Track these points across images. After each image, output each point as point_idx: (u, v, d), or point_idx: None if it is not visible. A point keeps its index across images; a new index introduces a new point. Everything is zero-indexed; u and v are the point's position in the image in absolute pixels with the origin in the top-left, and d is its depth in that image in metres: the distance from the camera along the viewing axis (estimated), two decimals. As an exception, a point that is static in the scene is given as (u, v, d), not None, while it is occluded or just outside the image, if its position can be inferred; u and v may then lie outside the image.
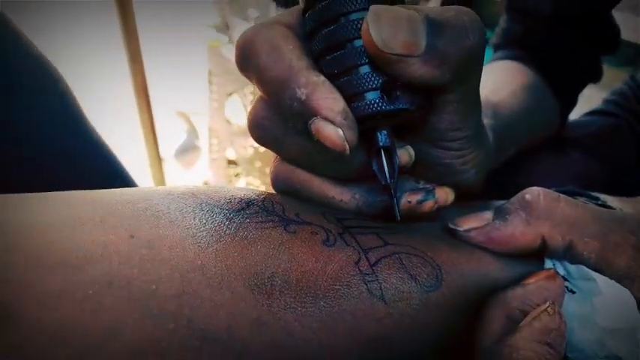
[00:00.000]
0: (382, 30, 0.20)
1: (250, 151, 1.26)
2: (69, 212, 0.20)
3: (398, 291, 0.22)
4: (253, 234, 0.21)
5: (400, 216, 0.26)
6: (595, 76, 0.55)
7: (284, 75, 0.22)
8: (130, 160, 0.53)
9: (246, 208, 0.23)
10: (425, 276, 0.23)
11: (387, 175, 0.24)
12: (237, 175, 1.36)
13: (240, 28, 1.22)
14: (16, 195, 0.20)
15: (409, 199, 0.27)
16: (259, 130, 0.25)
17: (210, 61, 1.22)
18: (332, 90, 0.22)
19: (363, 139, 0.24)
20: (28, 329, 0.15)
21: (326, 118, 0.21)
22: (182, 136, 1.52)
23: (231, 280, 0.19)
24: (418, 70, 0.21)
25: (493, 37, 0.57)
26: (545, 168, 0.50)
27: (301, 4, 0.24)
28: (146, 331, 0.17)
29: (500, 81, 0.48)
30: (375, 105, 0.22)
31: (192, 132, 1.54)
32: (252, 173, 1.30)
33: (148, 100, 1.22)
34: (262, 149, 1.29)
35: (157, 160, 1.31)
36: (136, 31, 1.11)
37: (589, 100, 0.63)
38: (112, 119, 1.32)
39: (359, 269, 0.22)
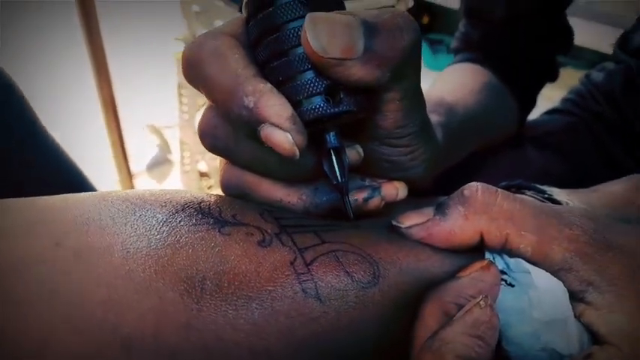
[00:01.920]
0: (320, 36, 0.21)
1: (221, 163, 1.25)
2: (1, 219, 0.19)
3: (333, 289, 0.22)
4: (185, 237, 0.21)
5: (353, 215, 0.26)
6: (551, 76, 0.57)
7: (231, 84, 0.22)
8: (100, 177, 0.52)
9: (181, 210, 0.22)
10: (362, 273, 0.22)
11: (338, 174, 0.25)
12: (209, 187, 1.35)
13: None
14: None
15: (355, 197, 0.27)
16: (210, 138, 0.26)
17: (179, 74, 1.22)
18: (279, 97, 0.22)
19: (312, 142, 0.24)
20: None
21: (274, 124, 0.21)
22: (153, 150, 1.50)
23: (159, 285, 0.19)
24: (358, 72, 0.22)
25: (453, 42, 0.58)
26: (504, 166, 0.50)
27: (244, 14, 0.25)
28: (72, 343, 0.16)
29: (457, 82, 0.49)
30: (320, 109, 0.23)
31: (164, 145, 1.52)
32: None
33: (116, 115, 1.20)
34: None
35: (127, 175, 1.29)
36: (101, 44, 1.10)
37: (552, 101, 0.65)
38: (79, 135, 1.30)
39: (294, 269, 0.21)
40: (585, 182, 0.29)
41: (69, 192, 0.44)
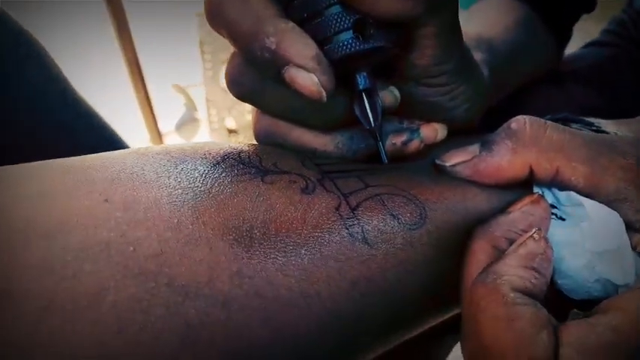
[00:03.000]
0: None
1: (249, 118, 1.25)
2: (41, 182, 0.20)
3: (380, 232, 0.22)
4: (230, 188, 0.21)
5: (387, 159, 0.25)
6: (588, 6, 0.53)
7: (252, 25, 0.21)
8: (131, 138, 0.53)
9: (221, 162, 0.23)
10: (408, 215, 0.22)
11: (371, 118, 0.24)
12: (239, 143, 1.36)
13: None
14: None
15: (394, 141, 0.26)
16: (237, 85, 0.25)
17: (201, 30, 1.20)
18: (302, 35, 0.21)
19: (343, 84, 0.23)
20: (16, 303, 0.16)
21: (298, 65, 0.21)
22: (180, 110, 1.51)
23: (209, 235, 0.19)
24: (389, 3, 0.20)
25: None
26: (544, 102, 0.49)
27: None
28: (128, 291, 0.17)
29: (491, 17, 0.46)
30: (349, 45, 0.22)
31: (190, 104, 1.53)
32: (254, 140, 1.29)
33: (141, 77, 1.21)
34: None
35: (157, 135, 1.31)
36: (122, 6, 1.09)
37: (589, 34, 0.62)
38: (107, 99, 1.31)
39: (339, 214, 0.21)
40: (630, 115, 0.28)
41: (102, 146, 0.45)
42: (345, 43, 0.22)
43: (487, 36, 0.40)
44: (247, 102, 0.26)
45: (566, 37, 0.54)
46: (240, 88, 0.25)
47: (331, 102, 0.22)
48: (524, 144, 0.22)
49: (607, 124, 0.26)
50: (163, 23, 1.66)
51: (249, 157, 0.23)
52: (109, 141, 0.48)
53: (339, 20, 0.21)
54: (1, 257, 0.16)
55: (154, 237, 0.18)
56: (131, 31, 1.13)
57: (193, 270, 0.18)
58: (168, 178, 0.21)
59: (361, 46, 0.22)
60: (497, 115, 0.42)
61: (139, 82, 1.21)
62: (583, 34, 0.62)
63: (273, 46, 0.21)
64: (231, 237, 0.20)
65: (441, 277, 0.23)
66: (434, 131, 0.27)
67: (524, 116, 0.23)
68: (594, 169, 0.21)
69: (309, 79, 0.21)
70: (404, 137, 0.27)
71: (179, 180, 0.21)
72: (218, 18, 0.22)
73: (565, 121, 0.28)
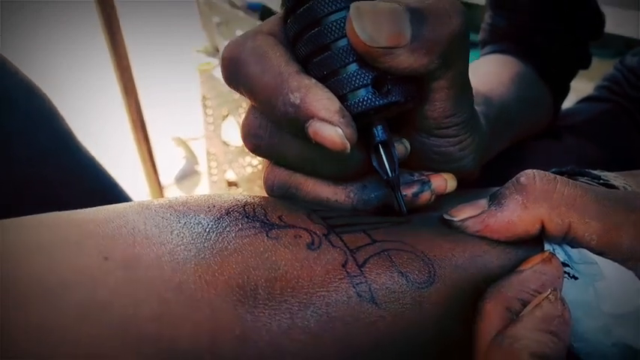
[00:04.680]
0: (366, 25, 0.20)
1: (249, 170, 1.26)
2: (44, 236, 0.19)
3: (389, 291, 0.21)
4: (233, 244, 0.20)
5: (406, 209, 0.25)
6: (584, 63, 0.55)
7: (275, 81, 0.21)
8: (130, 189, 0.53)
9: (225, 215, 0.22)
10: (417, 272, 0.22)
11: (388, 169, 0.24)
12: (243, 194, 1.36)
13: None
14: None
15: (405, 193, 0.26)
16: (253, 139, 0.25)
17: (203, 86, 1.23)
18: (325, 91, 0.22)
19: (359, 137, 0.24)
20: None
21: (323, 119, 0.21)
22: (181, 162, 1.52)
23: (211, 296, 0.18)
24: (406, 60, 0.21)
25: (479, 35, 0.57)
26: (542, 156, 0.49)
27: (282, 12, 0.24)
28: (126, 358, 0.16)
29: (488, 73, 0.48)
30: (369, 101, 0.22)
31: (192, 157, 1.54)
32: (253, 192, 1.30)
33: (145, 131, 1.22)
34: (261, 167, 1.29)
35: (157, 187, 1.31)
36: (128, 60, 1.12)
37: (581, 92, 0.63)
38: (107, 149, 1.32)
39: (346, 272, 0.21)
40: (630, 167, 0.28)
41: (107, 204, 0.45)
42: (365, 98, 0.22)
43: (483, 90, 0.41)
44: (262, 155, 0.26)
45: (562, 93, 0.55)
46: (256, 141, 0.25)
47: (349, 154, 0.22)
48: (534, 199, 0.22)
49: (615, 177, 0.26)
50: (167, 78, 1.71)
51: (253, 210, 0.23)
52: (113, 192, 0.48)
53: (358, 77, 0.22)
54: (1, 313, 0.16)
55: (154, 298, 0.18)
56: (136, 84, 1.15)
57: (195, 333, 0.17)
58: (171, 233, 0.20)
59: (380, 102, 0.22)
60: (495, 169, 0.42)
61: (141, 135, 1.22)
62: (577, 92, 0.64)
63: (298, 101, 0.21)
64: (235, 297, 0.19)
65: (451, 337, 0.22)
66: (443, 182, 0.27)
67: (533, 170, 0.23)
68: (608, 226, 0.21)
69: (334, 132, 0.21)
70: (415, 189, 0.26)
71: (182, 236, 0.20)
72: (236, 73, 0.23)
73: (571, 175, 0.28)
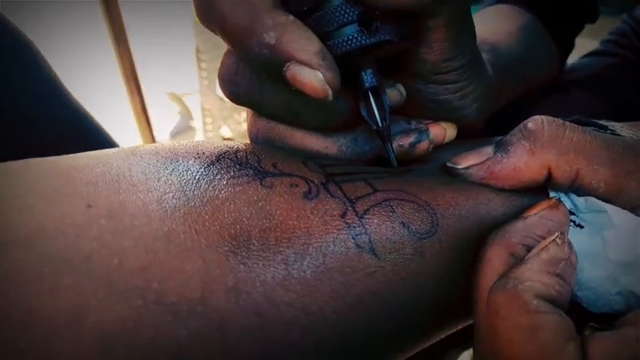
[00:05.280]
0: None
1: (245, 127, 1.25)
2: (24, 182, 0.18)
3: (389, 242, 0.20)
4: (225, 192, 0.19)
5: (400, 161, 0.24)
6: (591, 16, 0.53)
7: (248, 18, 0.19)
8: (124, 145, 0.52)
9: (216, 162, 0.21)
10: (419, 222, 0.21)
11: (378, 118, 0.22)
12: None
13: None
14: None
15: (401, 143, 0.25)
16: (231, 86, 0.23)
17: (198, 38, 1.20)
18: (304, 29, 0.19)
19: (347, 83, 0.22)
20: None
21: (301, 62, 0.19)
22: (175, 118, 1.50)
23: (202, 246, 0.17)
24: None
25: None
26: (548, 108, 0.48)
27: None
28: (112, 310, 0.15)
29: (495, 24, 0.46)
30: (355, 40, 0.20)
31: (186, 113, 1.52)
32: (249, 149, 1.28)
33: (137, 85, 1.20)
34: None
35: (151, 143, 1.30)
36: (119, 13, 1.08)
37: (584, 50, 0.61)
38: (101, 106, 1.30)
39: (345, 222, 0.20)
40: (637, 120, 0.27)
41: (91, 144, 0.44)
42: (350, 37, 0.20)
43: (490, 40, 0.39)
44: (243, 104, 0.24)
45: (568, 47, 0.53)
46: (234, 89, 0.23)
47: (334, 102, 0.20)
48: (542, 144, 0.21)
49: (621, 127, 0.25)
50: (160, 31, 1.66)
51: (246, 157, 0.21)
52: (102, 141, 0.46)
53: (342, 13, 0.20)
54: None
55: (141, 248, 0.17)
56: (128, 38, 1.12)
57: (185, 285, 0.16)
58: (158, 180, 0.19)
59: (367, 41, 0.20)
60: (500, 122, 0.41)
61: (135, 90, 1.20)
62: (579, 50, 0.62)
63: (273, 42, 0.19)
64: (226, 247, 0.18)
65: (453, 288, 0.22)
66: (442, 131, 0.26)
67: (541, 116, 0.22)
68: (617, 173, 0.20)
69: (313, 76, 0.19)
70: (412, 138, 0.25)
71: (170, 182, 0.19)
72: (209, 13, 0.20)
73: (578, 124, 0.27)
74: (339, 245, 0.19)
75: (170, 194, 0.19)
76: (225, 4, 0.20)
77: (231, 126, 1.27)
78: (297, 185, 0.21)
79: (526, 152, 0.21)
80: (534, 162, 0.21)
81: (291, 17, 0.19)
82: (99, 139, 0.45)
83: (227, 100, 0.24)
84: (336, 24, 0.20)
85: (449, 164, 0.24)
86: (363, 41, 0.20)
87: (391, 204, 0.21)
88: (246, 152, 0.22)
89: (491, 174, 0.22)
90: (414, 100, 0.25)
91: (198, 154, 0.21)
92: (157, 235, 0.17)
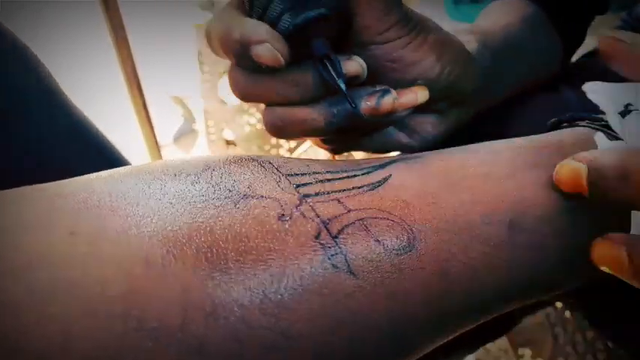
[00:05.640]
0: None
1: (247, 130, 1.25)
2: (11, 214, 0.18)
3: (365, 260, 0.20)
4: (200, 216, 0.19)
5: (360, 110, 0.29)
6: (601, 7, 0.52)
7: (225, 29, 0.27)
8: (128, 150, 0.52)
9: (191, 186, 0.21)
10: (394, 239, 0.21)
11: (334, 75, 0.27)
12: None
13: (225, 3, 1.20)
14: None
15: (368, 102, 0.28)
16: (235, 86, 0.30)
17: (199, 42, 1.20)
18: (257, 22, 0.27)
19: (306, 57, 0.28)
20: None
21: (257, 41, 0.26)
22: (179, 121, 1.51)
23: (180, 271, 0.18)
24: None
25: None
26: (538, 108, 0.48)
27: None
28: (95, 337, 0.16)
29: (497, 14, 0.46)
30: (291, 19, 0.26)
31: (188, 116, 1.53)
32: (251, 151, 1.29)
33: (140, 88, 1.20)
34: (259, 126, 1.27)
35: (154, 147, 1.30)
36: (120, 16, 1.09)
37: (583, 47, 0.61)
38: (103, 110, 1.31)
39: (320, 243, 0.20)
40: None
41: (102, 166, 0.44)
42: (289, 18, 0.26)
43: (487, 27, 0.41)
44: (248, 99, 0.31)
45: (576, 40, 0.53)
46: (237, 88, 0.30)
47: (302, 75, 0.27)
48: None
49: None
50: (162, 34, 1.67)
51: (221, 178, 0.22)
52: (108, 155, 0.47)
53: (279, 4, 0.26)
54: None
55: (121, 275, 0.17)
56: (129, 41, 1.12)
57: (164, 311, 0.17)
58: (137, 204, 0.19)
59: (303, 16, 0.26)
60: (491, 121, 0.41)
61: (137, 94, 1.20)
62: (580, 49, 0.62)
63: (238, 36, 0.26)
64: (204, 272, 0.18)
65: (440, 302, 0.21)
66: (412, 93, 0.29)
67: None
68: None
69: (265, 48, 0.26)
70: (376, 97, 0.28)
71: (149, 207, 0.19)
72: (209, 40, 0.29)
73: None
74: (316, 267, 0.19)
75: (148, 218, 0.19)
76: (217, 26, 0.28)
77: (234, 129, 1.28)
78: (270, 207, 0.21)
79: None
80: None
81: (251, 19, 0.27)
82: (102, 150, 0.45)
83: (229, 103, 0.31)
84: (278, 13, 0.26)
85: None
86: (299, 18, 0.26)
87: (365, 222, 0.21)
88: (221, 173, 0.22)
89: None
90: (377, 69, 0.29)
91: (175, 174, 0.22)
92: (136, 261, 0.17)
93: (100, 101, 1.40)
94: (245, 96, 0.30)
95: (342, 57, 0.28)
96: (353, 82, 0.29)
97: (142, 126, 1.26)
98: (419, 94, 0.29)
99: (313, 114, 0.29)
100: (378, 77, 0.30)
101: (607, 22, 0.64)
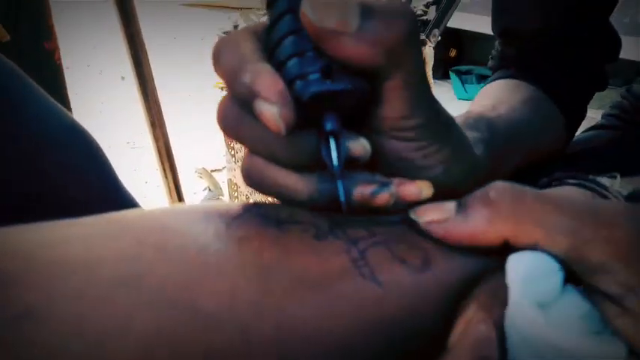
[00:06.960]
0: (317, 10, 0.23)
1: (269, 199, 1.28)
2: (82, 230, 0.22)
3: (390, 274, 0.22)
4: (249, 233, 0.23)
5: (347, 203, 0.26)
6: (600, 85, 0.54)
7: (237, 64, 0.24)
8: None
9: (242, 215, 0.24)
10: (413, 258, 0.23)
11: (335, 159, 0.25)
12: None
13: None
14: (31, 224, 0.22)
15: (361, 191, 0.26)
16: (222, 119, 0.27)
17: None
18: (274, 74, 0.24)
19: (313, 126, 0.25)
20: (51, 325, 0.17)
21: (265, 98, 0.23)
22: (204, 193, 1.56)
23: (230, 271, 0.21)
24: (352, 48, 0.23)
25: (489, 62, 0.57)
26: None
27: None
28: (156, 320, 0.18)
29: (497, 97, 0.48)
30: (314, 85, 0.24)
31: (216, 188, 1.58)
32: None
33: (172, 162, 1.25)
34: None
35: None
36: (155, 95, 1.16)
37: (588, 120, 0.63)
38: (134, 180, 1.36)
39: (349, 257, 0.23)
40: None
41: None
42: (311, 83, 0.24)
43: (490, 115, 0.41)
44: (231, 137, 0.27)
45: (578, 116, 0.54)
46: (224, 121, 0.27)
47: (301, 142, 0.25)
48: (499, 215, 0.22)
49: (610, 181, 0.26)
50: (193, 111, 1.75)
51: (266, 211, 0.25)
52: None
53: (306, 64, 0.24)
54: (40, 285, 0.18)
55: (181, 272, 0.20)
56: (163, 116, 1.19)
57: (216, 300, 0.19)
58: (197, 228, 0.23)
59: (326, 86, 0.24)
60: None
61: (169, 168, 1.25)
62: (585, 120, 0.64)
63: (248, 81, 0.23)
64: (250, 273, 0.21)
65: (449, 322, 0.23)
66: (416, 187, 0.27)
67: (504, 183, 0.23)
68: (576, 243, 0.20)
69: (271, 110, 0.23)
70: (372, 188, 0.26)
71: (205, 228, 0.23)
72: (217, 60, 0.25)
73: (561, 180, 0.28)
74: (347, 275, 0.22)
75: (205, 236, 0.22)
76: (226, 54, 0.25)
77: (258, 199, 1.31)
78: (307, 230, 0.24)
79: (483, 221, 0.22)
80: (491, 232, 0.22)
81: (268, 66, 0.24)
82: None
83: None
84: (301, 72, 0.24)
85: (411, 214, 0.25)
86: (322, 87, 0.24)
87: (388, 244, 0.24)
88: (267, 209, 0.25)
89: (449, 235, 0.23)
90: (382, 158, 0.27)
91: (227, 209, 0.25)
92: (195, 263, 0.21)
93: (130, 171, 1.44)
94: (229, 132, 0.27)
95: (349, 135, 0.26)
96: (352, 163, 0.26)
97: (171, 198, 1.30)
98: (423, 191, 0.27)
99: (298, 184, 0.27)
100: (381, 167, 0.28)
101: (612, 96, 0.67)
